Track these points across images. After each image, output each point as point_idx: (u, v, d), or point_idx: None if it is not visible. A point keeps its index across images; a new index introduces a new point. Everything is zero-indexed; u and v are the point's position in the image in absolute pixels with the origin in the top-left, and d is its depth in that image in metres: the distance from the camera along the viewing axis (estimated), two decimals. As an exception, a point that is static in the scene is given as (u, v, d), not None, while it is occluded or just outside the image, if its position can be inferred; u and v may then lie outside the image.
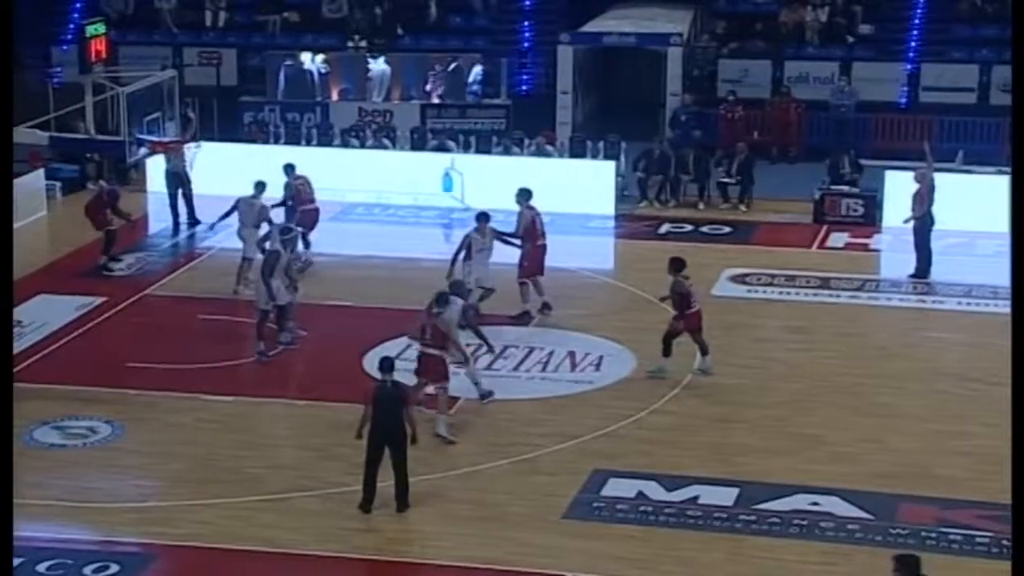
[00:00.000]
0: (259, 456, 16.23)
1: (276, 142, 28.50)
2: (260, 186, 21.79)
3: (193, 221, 24.99)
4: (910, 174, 23.55)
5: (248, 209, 21.72)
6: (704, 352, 18.41)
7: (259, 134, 29.00)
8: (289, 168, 23.21)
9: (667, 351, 18.37)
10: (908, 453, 16.39)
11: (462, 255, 20.00)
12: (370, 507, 14.74)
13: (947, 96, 29.88)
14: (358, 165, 27.03)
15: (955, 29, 31.27)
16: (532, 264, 20.65)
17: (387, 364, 14.99)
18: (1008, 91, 29.55)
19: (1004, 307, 21.24)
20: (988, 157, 26.42)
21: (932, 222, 22.40)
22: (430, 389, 16.71)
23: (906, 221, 22.63)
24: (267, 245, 19.42)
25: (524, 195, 20.99)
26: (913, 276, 22.34)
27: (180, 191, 24.99)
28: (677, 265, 18.46)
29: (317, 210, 23.25)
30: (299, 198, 22.92)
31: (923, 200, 22.35)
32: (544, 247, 20.92)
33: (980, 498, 15.19)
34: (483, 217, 20.32)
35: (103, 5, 32.72)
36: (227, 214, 22.11)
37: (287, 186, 23.10)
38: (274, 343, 19.12)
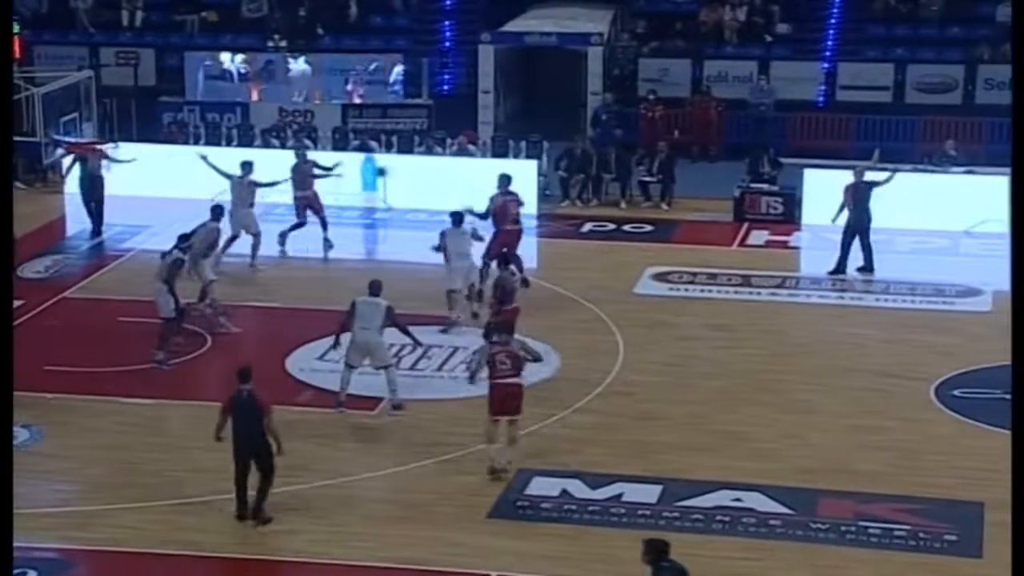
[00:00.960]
0: (179, 459, 16.09)
1: (196, 143, 28.28)
2: (247, 166, 22.10)
3: (97, 231, 24.46)
4: (829, 172, 23.86)
5: (240, 189, 21.78)
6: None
7: (179, 134, 28.77)
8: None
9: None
10: (828, 449, 16.58)
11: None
12: (245, 514, 14.51)
13: (863, 95, 30.26)
14: (279, 166, 26.86)
15: (870, 29, 31.67)
16: (498, 247, 20.78)
17: (244, 374, 14.57)
18: (924, 90, 30.05)
19: (921, 303, 21.59)
20: (903, 155, 26.78)
21: (869, 219, 22.70)
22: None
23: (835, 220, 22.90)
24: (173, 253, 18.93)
25: (503, 181, 21.58)
26: (860, 269, 22.68)
27: (93, 197, 24.48)
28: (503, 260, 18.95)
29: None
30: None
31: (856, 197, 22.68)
32: (517, 232, 21.39)
33: (898, 492, 15.40)
34: (458, 216, 20.55)
35: (17, 4, 32.23)
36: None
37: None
38: (172, 353, 18.72)
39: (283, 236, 23.39)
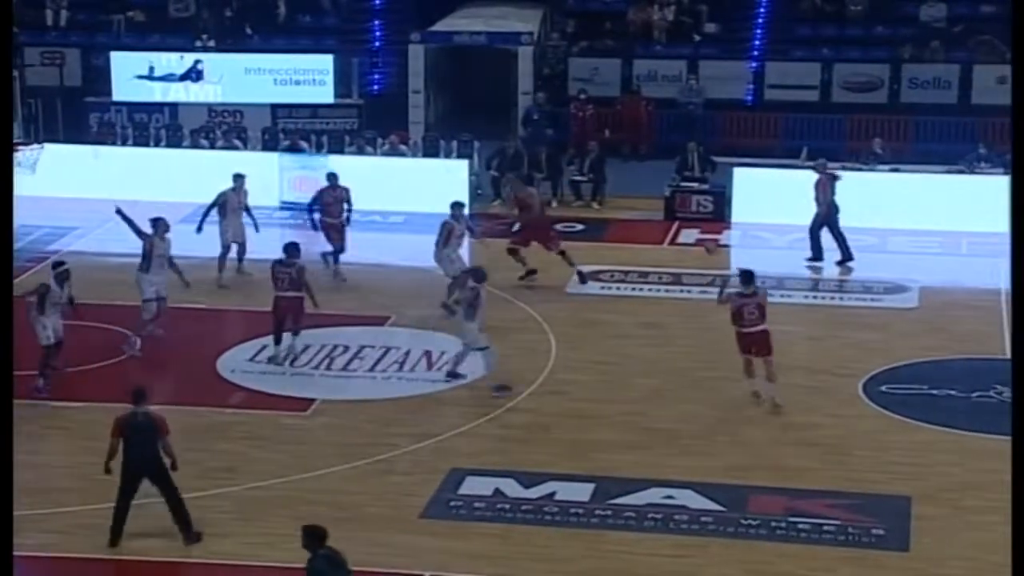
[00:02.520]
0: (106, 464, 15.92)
1: (123, 143, 28.05)
2: (239, 178, 22.08)
3: None
4: (758, 170, 24.09)
5: (234, 196, 21.90)
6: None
7: (107, 135, 28.50)
8: (332, 177, 22.88)
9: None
10: (758, 445, 16.72)
11: (441, 243, 20.49)
12: (118, 540, 14.11)
13: (791, 94, 30.54)
14: (208, 166, 26.73)
15: (797, 28, 31.97)
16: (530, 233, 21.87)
17: (139, 395, 14.25)
18: (851, 89, 30.37)
19: (849, 300, 21.83)
20: (830, 153, 27.04)
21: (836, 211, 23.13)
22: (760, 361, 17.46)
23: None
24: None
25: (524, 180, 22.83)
26: (839, 263, 23.15)
27: None
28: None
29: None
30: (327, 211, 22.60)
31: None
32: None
33: (827, 487, 15.57)
34: (458, 206, 20.78)
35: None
36: (209, 210, 21.86)
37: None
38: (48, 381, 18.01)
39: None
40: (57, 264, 18.61)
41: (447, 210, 21.71)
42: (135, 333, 19.32)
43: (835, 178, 23.12)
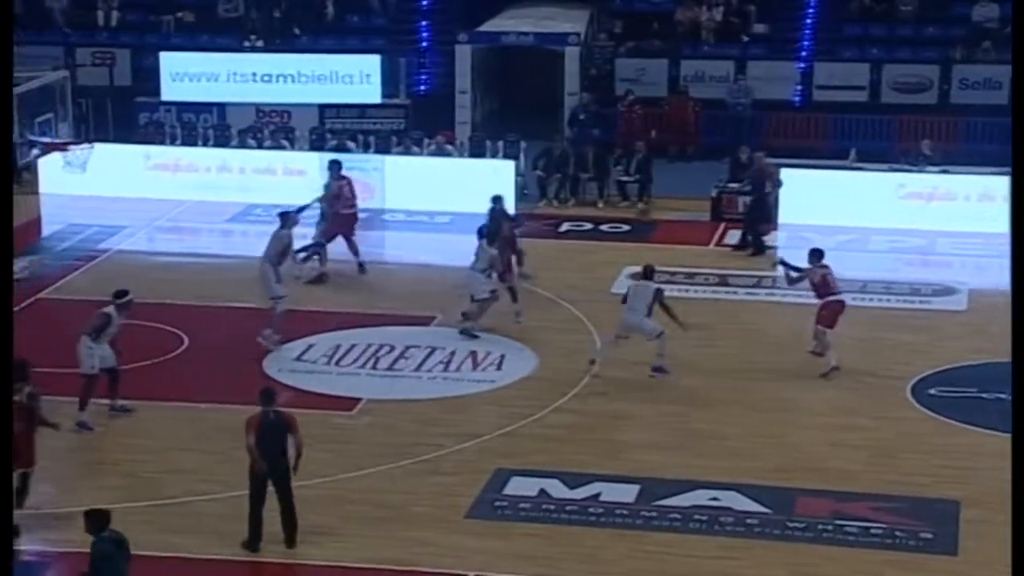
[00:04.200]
0: (157, 460, 16.05)
1: (172, 143, 28.26)
2: (284, 217, 20.03)
3: None
4: (805, 171, 23.99)
5: (274, 243, 19.76)
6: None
7: (155, 135, 28.71)
8: (335, 165, 22.88)
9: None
10: (804, 447, 16.64)
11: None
12: (258, 545, 14.16)
13: (839, 94, 30.36)
14: (256, 165, 26.91)
15: (846, 28, 31.78)
16: (336, 230, 21.97)
17: (269, 395, 14.28)
18: (900, 90, 30.16)
19: (896, 302, 21.68)
20: (879, 155, 26.89)
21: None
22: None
23: None
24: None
25: (333, 166, 22.50)
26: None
27: None
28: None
29: (355, 214, 22.78)
30: (340, 200, 22.51)
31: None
32: (352, 216, 22.57)
33: (874, 490, 15.47)
34: (498, 200, 21.02)
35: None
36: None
37: (327, 186, 22.75)
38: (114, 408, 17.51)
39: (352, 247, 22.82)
40: (121, 293, 17.57)
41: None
42: (272, 329, 19.33)
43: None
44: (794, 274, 19.34)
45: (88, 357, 17.07)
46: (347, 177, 22.98)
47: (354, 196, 22.91)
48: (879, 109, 29.85)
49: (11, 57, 15.96)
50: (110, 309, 17.28)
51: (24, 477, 14.47)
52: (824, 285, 18.85)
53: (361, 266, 22.44)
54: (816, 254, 19.13)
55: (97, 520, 11.85)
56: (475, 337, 19.73)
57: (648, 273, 18.95)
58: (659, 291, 18.70)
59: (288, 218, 19.97)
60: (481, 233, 20.32)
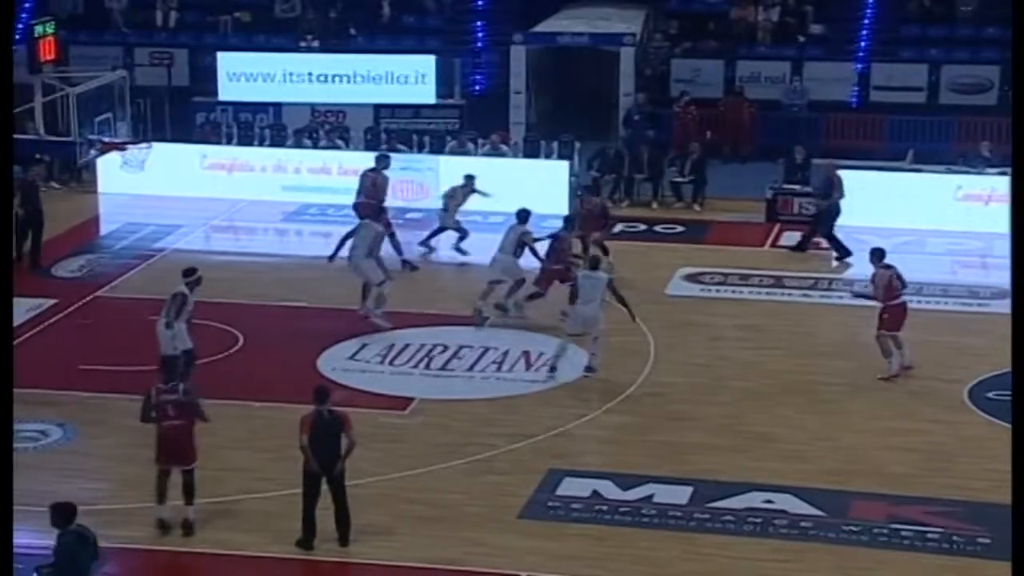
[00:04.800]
0: (212, 458, 16.08)
1: (228, 143, 28.45)
2: (524, 213, 20.80)
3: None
4: (862, 173, 23.82)
5: (368, 233, 20.51)
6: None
7: (211, 135, 28.92)
8: (469, 179, 23.66)
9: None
10: (859, 450, 16.52)
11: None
12: (312, 544, 14.20)
13: (897, 95, 30.12)
14: (312, 165, 27.04)
15: (904, 29, 31.53)
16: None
17: (323, 393, 14.31)
18: (958, 91, 29.88)
19: (953, 304, 21.48)
20: (937, 156, 26.65)
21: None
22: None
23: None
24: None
25: (380, 160, 23.12)
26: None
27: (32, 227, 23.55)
28: None
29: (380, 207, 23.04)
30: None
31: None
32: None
33: (929, 494, 15.34)
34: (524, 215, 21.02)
35: (52, 5, 32.44)
36: (344, 239, 21.09)
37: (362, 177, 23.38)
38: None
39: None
40: (190, 271, 17.93)
41: (548, 210, 21.79)
42: (371, 309, 19.91)
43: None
44: (868, 290, 18.92)
45: (170, 339, 17.42)
46: (378, 171, 23.33)
47: (380, 190, 23.23)
48: (937, 110, 29.58)
49: (11, 57, 16.14)
50: (183, 288, 17.63)
51: (188, 474, 14.57)
52: (890, 288, 18.54)
53: (405, 263, 22.48)
54: (878, 254, 18.90)
55: (62, 514, 11.85)
56: (505, 311, 20.23)
57: (595, 264, 18.82)
58: (610, 280, 18.65)
59: (527, 213, 20.84)
60: (520, 217, 20.71)
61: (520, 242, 20.42)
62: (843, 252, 23.35)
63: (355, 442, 14.15)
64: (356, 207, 23.12)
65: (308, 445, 13.99)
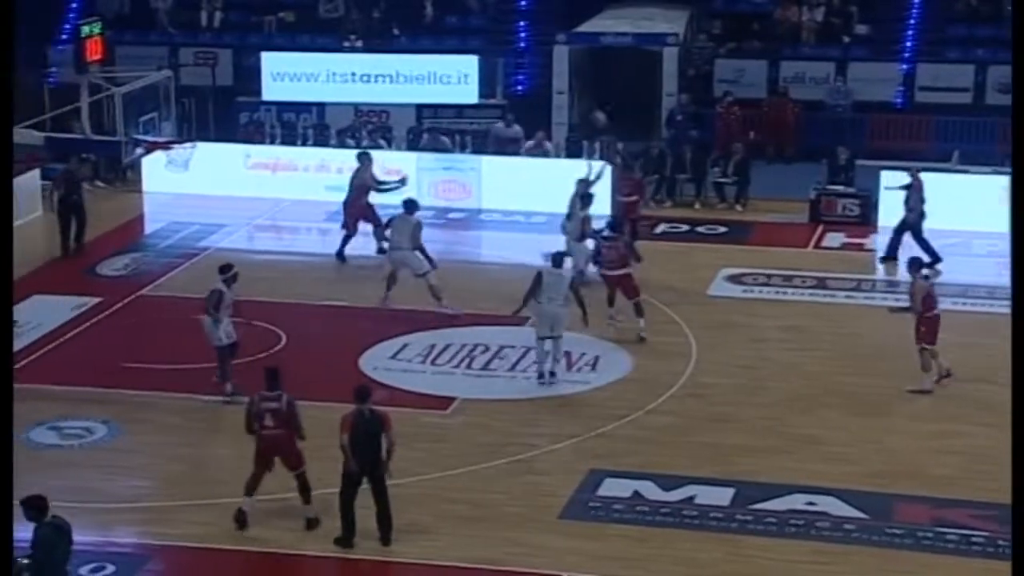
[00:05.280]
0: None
1: (272, 142, 28.57)
2: (411, 204, 21.23)
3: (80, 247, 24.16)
4: (907, 174, 23.63)
5: (403, 226, 20.87)
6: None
7: (255, 134, 29.04)
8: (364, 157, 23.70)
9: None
10: (903, 453, 16.42)
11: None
12: (351, 542, 14.25)
13: (943, 96, 29.89)
14: (355, 165, 27.07)
15: (951, 29, 31.28)
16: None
17: (364, 392, 14.35)
18: (1004, 91, 29.60)
19: (1000, 307, 21.28)
20: (984, 157, 26.43)
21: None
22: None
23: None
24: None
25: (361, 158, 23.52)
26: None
27: (74, 215, 24.07)
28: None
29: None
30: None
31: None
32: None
33: (975, 497, 15.22)
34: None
35: (99, 5, 32.68)
36: (384, 227, 21.66)
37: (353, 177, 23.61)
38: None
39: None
40: (226, 267, 18.33)
41: (590, 210, 21.73)
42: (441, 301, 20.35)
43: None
44: (907, 304, 18.56)
45: (214, 331, 17.74)
46: (365, 168, 23.68)
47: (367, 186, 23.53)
48: (983, 111, 29.33)
49: (12, 57, 16.31)
50: (219, 284, 17.90)
51: (300, 476, 14.66)
52: (928, 299, 18.25)
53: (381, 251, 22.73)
54: (916, 264, 18.69)
55: (35, 507, 11.89)
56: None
57: (556, 261, 18.62)
58: (573, 279, 18.51)
59: (414, 205, 21.17)
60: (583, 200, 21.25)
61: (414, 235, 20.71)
62: (935, 258, 23.01)
63: (395, 441, 14.17)
64: (346, 205, 23.43)
65: (348, 444, 14.00)
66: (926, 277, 18.60)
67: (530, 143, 27.37)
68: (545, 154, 27.12)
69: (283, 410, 14.54)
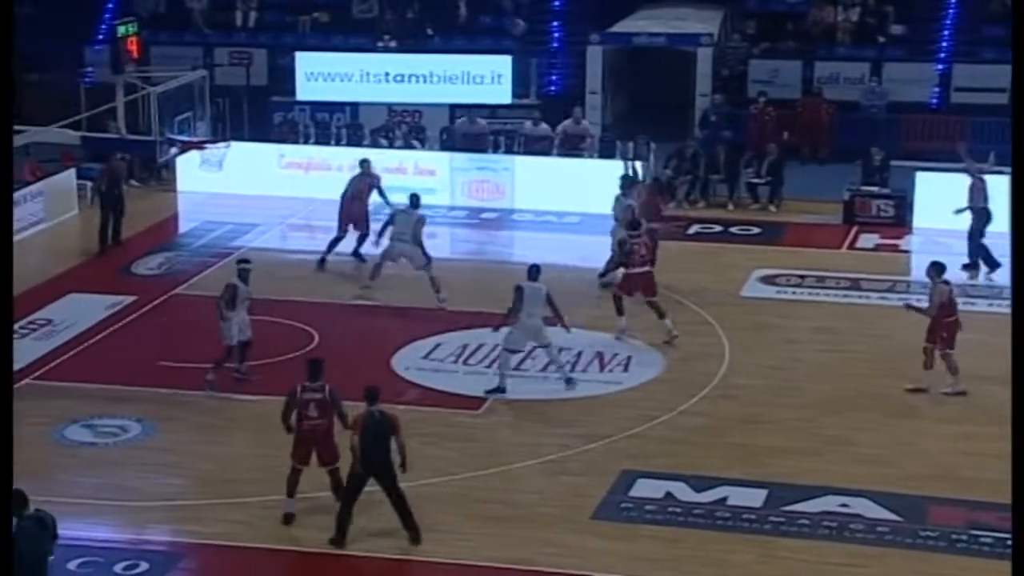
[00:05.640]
0: (286, 456, 16.20)
1: (305, 142, 28.66)
2: (415, 198, 21.47)
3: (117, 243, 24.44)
4: (942, 175, 23.51)
5: (406, 219, 21.17)
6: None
7: (289, 134, 29.14)
8: (365, 164, 23.83)
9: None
10: (937, 455, 16.33)
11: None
12: (343, 543, 14.23)
13: (979, 97, 29.70)
14: (388, 164, 27.13)
15: (987, 29, 31.08)
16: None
17: (373, 393, 14.31)
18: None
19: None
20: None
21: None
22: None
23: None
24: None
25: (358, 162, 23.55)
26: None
27: (113, 209, 24.40)
28: None
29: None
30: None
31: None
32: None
33: (1009, 500, 15.07)
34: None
35: (135, 5, 32.86)
36: (384, 227, 21.66)
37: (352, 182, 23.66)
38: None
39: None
40: (242, 260, 18.81)
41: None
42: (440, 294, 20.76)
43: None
44: (926, 305, 18.40)
45: (227, 329, 17.95)
46: (367, 173, 23.71)
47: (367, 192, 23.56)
48: (1021, 111, 29.11)
49: (12, 57, 16.44)
50: (234, 279, 18.18)
51: (333, 473, 14.75)
52: (950, 304, 18.09)
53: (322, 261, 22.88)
54: (938, 268, 18.32)
55: (15, 502, 11.93)
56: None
57: (533, 274, 18.29)
58: (548, 292, 18.19)
59: (418, 200, 21.40)
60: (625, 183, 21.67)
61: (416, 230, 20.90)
62: (991, 263, 22.80)
63: (404, 443, 14.14)
64: (344, 207, 23.32)
65: (358, 445, 14.00)
66: (946, 282, 18.28)
67: (568, 121, 27.33)
68: (584, 132, 27.09)
69: (326, 400, 14.61)
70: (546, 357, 18.32)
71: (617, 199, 22.09)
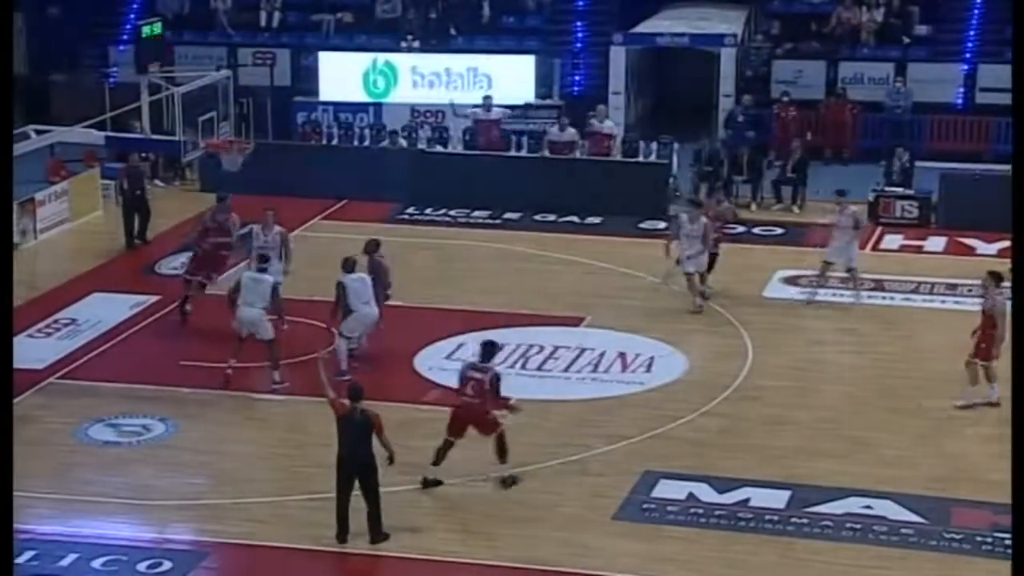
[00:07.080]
0: (309, 455, 16.27)
1: (329, 142, 28.69)
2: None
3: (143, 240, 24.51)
4: (965, 176, 23.41)
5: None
6: None
7: (312, 134, 29.18)
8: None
9: None
10: (960, 457, 16.27)
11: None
12: (346, 536, 14.31)
13: (1004, 97, 29.53)
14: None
15: (1012, 30, 30.93)
16: None
17: (356, 392, 14.33)
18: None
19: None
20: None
21: None
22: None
23: None
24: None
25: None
26: None
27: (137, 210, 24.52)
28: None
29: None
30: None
31: None
32: None
33: (1035, 503, 15.03)
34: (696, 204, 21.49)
35: (159, 6, 32.96)
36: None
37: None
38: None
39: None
40: (262, 259, 18.91)
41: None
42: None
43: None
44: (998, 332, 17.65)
45: (260, 322, 18.07)
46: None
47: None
48: (1046, 112, 29.00)
49: (11, 57, 16.49)
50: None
51: (499, 439, 15.32)
52: (998, 316, 17.46)
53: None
54: (996, 278, 17.60)
55: None
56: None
57: (349, 267, 18.39)
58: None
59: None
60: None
61: None
62: None
63: (388, 443, 14.18)
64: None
65: (337, 432, 14.14)
66: (1001, 292, 17.50)
67: (592, 120, 27.25)
68: (609, 132, 27.03)
69: (486, 384, 15.11)
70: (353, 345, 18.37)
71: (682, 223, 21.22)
